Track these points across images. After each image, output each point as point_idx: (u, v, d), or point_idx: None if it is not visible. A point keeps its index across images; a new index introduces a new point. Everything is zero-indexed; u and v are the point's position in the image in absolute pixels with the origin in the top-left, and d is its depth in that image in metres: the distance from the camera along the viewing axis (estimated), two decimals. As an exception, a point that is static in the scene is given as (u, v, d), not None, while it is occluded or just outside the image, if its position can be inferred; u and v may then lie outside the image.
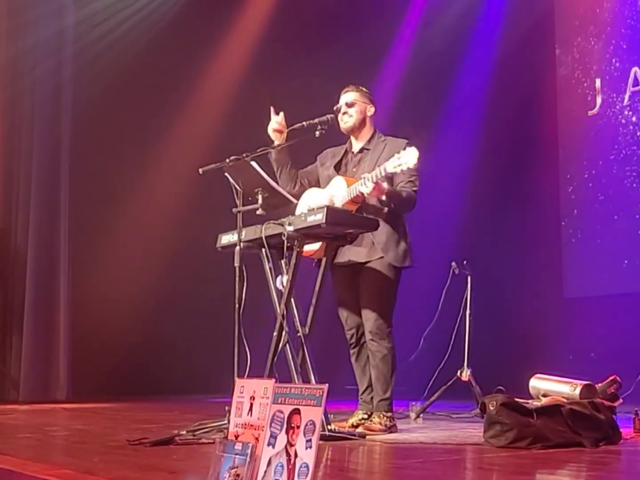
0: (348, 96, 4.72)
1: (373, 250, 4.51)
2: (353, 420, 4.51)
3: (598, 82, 8.50)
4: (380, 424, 4.39)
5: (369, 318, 4.48)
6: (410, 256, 4.56)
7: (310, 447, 2.14)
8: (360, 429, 4.34)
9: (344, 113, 4.68)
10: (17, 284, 7.60)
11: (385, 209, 4.47)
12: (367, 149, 4.68)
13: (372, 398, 4.56)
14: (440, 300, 5.87)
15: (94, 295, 8.61)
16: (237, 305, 4.17)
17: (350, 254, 4.56)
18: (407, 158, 4.15)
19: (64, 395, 7.39)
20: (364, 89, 4.76)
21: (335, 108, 4.67)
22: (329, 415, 4.11)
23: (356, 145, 4.74)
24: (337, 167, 4.74)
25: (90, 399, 7.45)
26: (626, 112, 8.19)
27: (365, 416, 4.53)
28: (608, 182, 8.35)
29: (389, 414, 4.45)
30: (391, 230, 4.51)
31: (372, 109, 4.72)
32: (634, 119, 8.12)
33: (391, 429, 4.42)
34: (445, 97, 9.26)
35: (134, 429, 4.53)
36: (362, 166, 4.63)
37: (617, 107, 8.28)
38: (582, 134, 8.66)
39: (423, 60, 9.24)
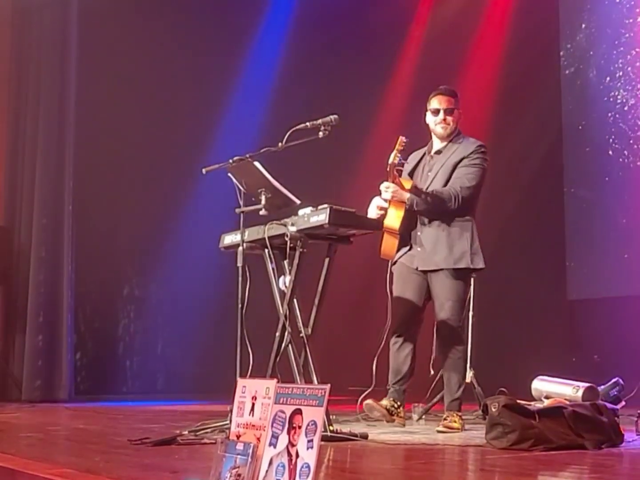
0: (446, 101, 4.78)
1: (432, 257, 4.65)
2: (386, 403, 4.62)
3: (602, 82, 8.49)
4: (456, 422, 4.52)
5: (442, 322, 4.62)
6: (482, 260, 4.65)
7: (312, 447, 2.14)
8: (440, 427, 4.48)
9: (443, 120, 4.76)
10: (20, 282, 7.60)
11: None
12: (441, 151, 4.79)
13: (404, 390, 4.69)
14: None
15: (97, 295, 8.62)
16: (239, 306, 4.17)
17: (417, 261, 4.70)
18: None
19: (66, 395, 7.38)
20: (455, 93, 4.84)
21: (431, 110, 4.76)
22: (331, 416, 4.10)
23: (436, 146, 4.84)
24: (414, 169, 4.85)
25: (93, 398, 7.45)
26: (633, 112, 8.18)
27: (395, 405, 4.64)
28: (613, 183, 8.34)
29: (461, 413, 4.63)
30: (442, 234, 4.63)
31: (460, 113, 4.82)
32: None
33: (463, 427, 4.58)
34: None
35: (135, 429, 4.53)
36: (434, 169, 4.77)
37: (623, 107, 8.27)
38: (587, 135, 8.65)
39: (426, 61, 9.25)
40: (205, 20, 8.89)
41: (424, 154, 4.89)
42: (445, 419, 4.57)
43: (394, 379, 4.70)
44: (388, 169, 4.58)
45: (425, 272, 4.71)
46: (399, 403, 4.65)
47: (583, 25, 8.73)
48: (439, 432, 4.45)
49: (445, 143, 4.80)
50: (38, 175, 7.67)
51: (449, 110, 4.77)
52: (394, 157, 4.56)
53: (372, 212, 4.65)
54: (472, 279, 5.05)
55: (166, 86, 8.70)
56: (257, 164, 4.26)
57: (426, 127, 4.91)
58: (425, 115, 4.90)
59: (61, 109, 7.75)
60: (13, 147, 7.84)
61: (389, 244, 4.58)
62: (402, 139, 4.56)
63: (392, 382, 4.71)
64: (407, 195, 4.58)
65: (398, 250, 4.67)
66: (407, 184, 4.68)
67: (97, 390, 8.00)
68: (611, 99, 8.38)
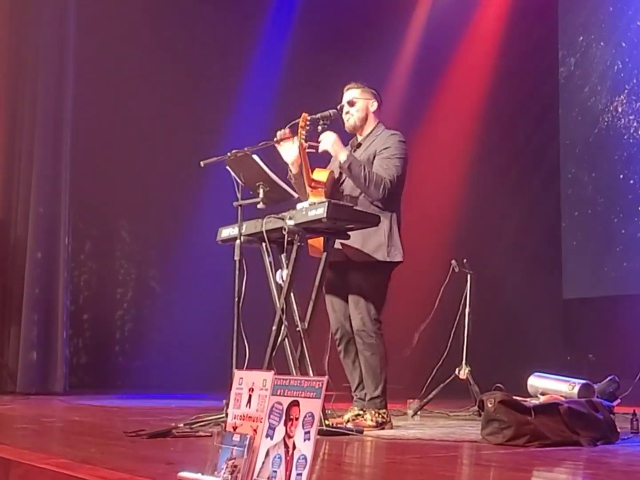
0: (349, 94, 4.69)
1: (369, 249, 4.47)
2: (348, 416, 4.51)
3: (600, 83, 8.50)
4: (372, 420, 4.38)
5: (355, 316, 4.47)
6: (401, 253, 4.48)
7: (309, 439, 2.13)
8: (349, 426, 4.30)
9: (346, 112, 4.66)
10: (16, 275, 7.57)
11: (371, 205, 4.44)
12: (360, 144, 4.68)
13: (366, 394, 4.55)
14: (438, 297, 5.85)
15: (93, 288, 8.61)
16: (236, 299, 4.17)
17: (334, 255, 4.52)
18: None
19: (62, 387, 7.37)
20: (365, 85, 4.71)
21: (338, 107, 4.63)
22: (326, 411, 4.10)
23: (358, 140, 4.73)
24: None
25: (88, 391, 7.44)
26: (628, 114, 8.19)
27: (361, 412, 4.52)
28: (609, 183, 8.36)
29: (382, 411, 4.43)
30: (383, 227, 4.43)
31: (375, 104, 4.68)
32: (635, 121, 8.12)
33: (383, 425, 4.40)
34: (445, 96, 9.24)
35: (131, 421, 4.53)
36: None
37: (620, 109, 8.28)
38: (584, 135, 8.66)
39: (423, 55, 9.25)
40: (208, 14, 8.87)
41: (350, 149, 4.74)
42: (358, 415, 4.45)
43: (352, 388, 4.63)
44: (299, 152, 4.41)
45: (343, 266, 4.53)
46: (363, 410, 4.51)
47: (580, 38, 8.74)
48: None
49: (364, 137, 4.67)
50: (35, 168, 7.65)
51: (350, 102, 4.65)
52: (300, 137, 4.37)
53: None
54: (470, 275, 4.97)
55: (167, 79, 8.69)
56: (255, 157, 4.26)
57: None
58: None
59: (59, 101, 7.72)
60: (10, 139, 7.81)
61: (316, 239, 4.42)
62: (305, 115, 4.39)
63: (352, 391, 4.63)
64: (344, 152, 4.43)
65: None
66: (323, 174, 4.50)
67: (92, 383, 7.99)
68: (608, 100, 8.39)
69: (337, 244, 4.46)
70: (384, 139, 4.59)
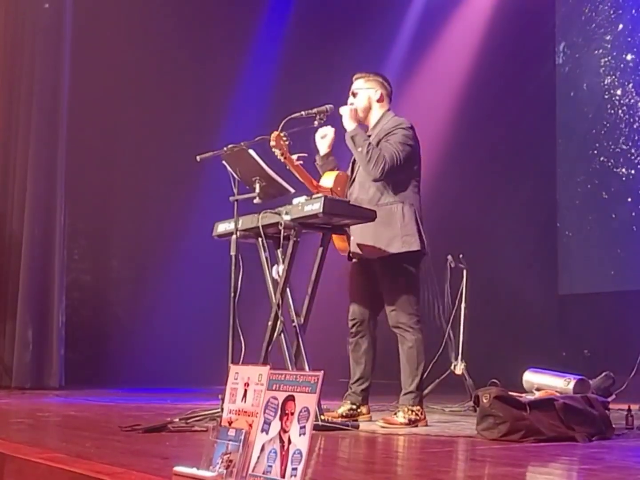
0: (354, 85, 4.65)
1: (382, 243, 4.44)
2: (342, 410, 4.50)
3: (598, 77, 8.49)
4: (404, 417, 4.26)
5: (388, 312, 4.42)
6: (418, 241, 4.44)
7: (304, 433, 2.14)
8: (380, 422, 4.25)
9: (351, 104, 4.60)
10: (11, 269, 7.56)
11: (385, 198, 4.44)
12: (370, 135, 4.61)
13: (362, 390, 4.54)
14: (446, 294, 5.84)
15: (89, 283, 8.60)
16: (232, 294, 4.16)
17: (352, 247, 4.53)
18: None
19: (57, 382, 7.37)
20: (371, 74, 4.65)
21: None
22: (322, 406, 4.10)
23: (367, 132, 4.66)
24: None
25: (83, 386, 7.44)
26: (627, 109, 8.19)
27: (354, 407, 4.51)
28: (605, 179, 8.36)
29: (416, 408, 4.31)
30: (395, 218, 4.43)
31: (379, 93, 4.59)
32: (635, 116, 8.13)
33: (416, 423, 4.27)
34: (442, 90, 9.23)
35: (126, 416, 4.53)
36: None
37: (618, 103, 8.28)
38: (581, 130, 8.66)
39: (419, 50, 9.24)
40: (206, 9, 8.85)
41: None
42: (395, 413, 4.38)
43: (352, 380, 4.59)
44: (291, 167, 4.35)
45: (367, 262, 4.51)
46: (357, 404, 4.51)
47: (579, 27, 8.73)
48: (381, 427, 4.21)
49: (372, 127, 4.61)
50: (31, 162, 7.63)
51: (353, 93, 4.60)
52: (280, 156, 4.26)
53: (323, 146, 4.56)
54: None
55: (164, 74, 8.68)
56: (251, 151, 4.25)
57: None
58: None
59: (55, 95, 7.70)
60: (6, 133, 7.79)
61: (337, 236, 4.44)
62: (274, 135, 4.22)
63: (350, 383, 4.59)
64: (354, 124, 4.41)
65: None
66: (330, 177, 4.46)
67: (87, 378, 7.98)
68: (607, 93, 8.39)
69: (354, 246, 4.48)
70: (389, 126, 4.52)
